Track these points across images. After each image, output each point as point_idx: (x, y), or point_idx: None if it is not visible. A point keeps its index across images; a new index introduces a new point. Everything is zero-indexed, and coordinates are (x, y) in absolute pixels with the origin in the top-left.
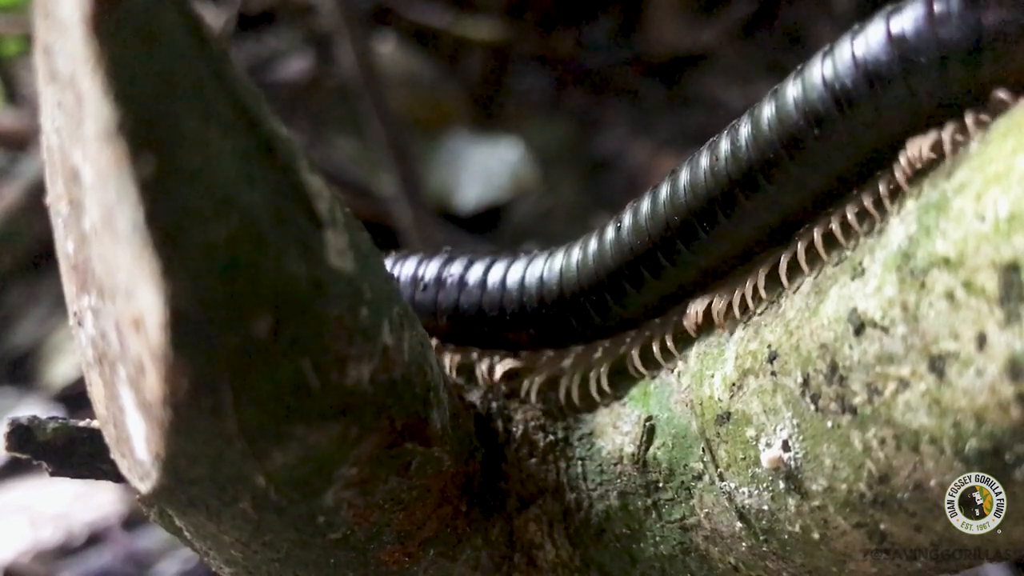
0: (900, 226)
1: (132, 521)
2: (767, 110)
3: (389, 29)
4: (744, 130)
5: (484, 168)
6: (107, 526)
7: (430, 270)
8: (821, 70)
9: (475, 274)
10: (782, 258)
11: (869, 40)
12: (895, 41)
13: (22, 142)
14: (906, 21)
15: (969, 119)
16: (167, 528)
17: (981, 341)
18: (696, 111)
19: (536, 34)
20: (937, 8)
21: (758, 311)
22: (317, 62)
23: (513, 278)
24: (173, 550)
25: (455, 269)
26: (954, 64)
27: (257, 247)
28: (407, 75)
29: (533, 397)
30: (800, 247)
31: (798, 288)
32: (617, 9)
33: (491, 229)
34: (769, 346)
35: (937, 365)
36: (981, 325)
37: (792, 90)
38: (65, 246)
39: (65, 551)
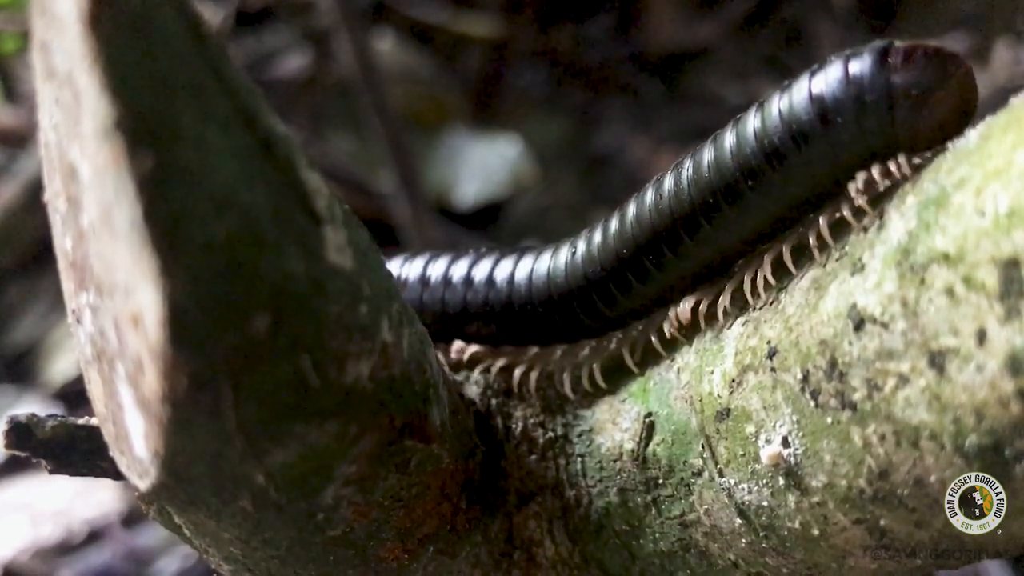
0: (900, 221)
1: (132, 518)
2: (707, 154)
3: (387, 26)
4: (685, 173)
5: (483, 165)
6: (107, 523)
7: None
8: (752, 125)
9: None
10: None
11: (793, 99)
12: (815, 100)
13: (20, 139)
14: (825, 82)
15: (892, 167)
16: (166, 525)
17: (981, 337)
18: (695, 107)
19: (534, 30)
20: (852, 70)
21: (756, 307)
22: (315, 59)
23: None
24: (173, 547)
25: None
26: (869, 121)
27: (256, 244)
28: (405, 72)
29: (532, 387)
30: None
31: (798, 284)
32: (615, 5)
33: (490, 226)
34: (769, 342)
35: (937, 361)
36: (981, 321)
37: (729, 139)
38: (63, 243)
39: (65, 548)
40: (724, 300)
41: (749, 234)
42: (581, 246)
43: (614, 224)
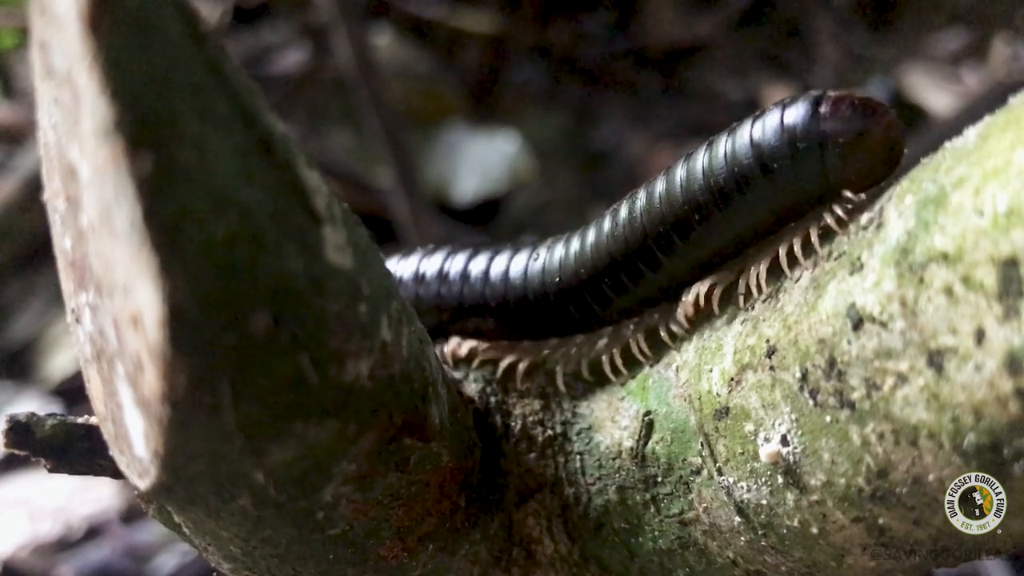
0: (899, 221)
1: (131, 515)
2: (658, 187)
3: (385, 21)
4: (638, 203)
5: (481, 160)
6: (106, 520)
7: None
8: (701, 162)
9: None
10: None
11: (736, 143)
12: (754, 146)
13: (19, 136)
14: (763, 129)
15: (827, 217)
16: (165, 524)
17: (979, 336)
18: (693, 103)
19: (533, 26)
20: (787, 119)
21: (757, 302)
22: (313, 55)
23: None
24: (172, 544)
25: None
26: (803, 166)
27: (255, 244)
28: (404, 67)
29: (519, 381)
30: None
31: (797, 283)
32: (614, 1)
33: (488, 222)
34: (767, 341)
35: (936, 360)
36: (979, 320)
37: (680, 172)
38: (63, 242)
39: (64, 545)
40: (716, 293)
41: (700, 262)
42: (543, 254)
43: (575, 246)
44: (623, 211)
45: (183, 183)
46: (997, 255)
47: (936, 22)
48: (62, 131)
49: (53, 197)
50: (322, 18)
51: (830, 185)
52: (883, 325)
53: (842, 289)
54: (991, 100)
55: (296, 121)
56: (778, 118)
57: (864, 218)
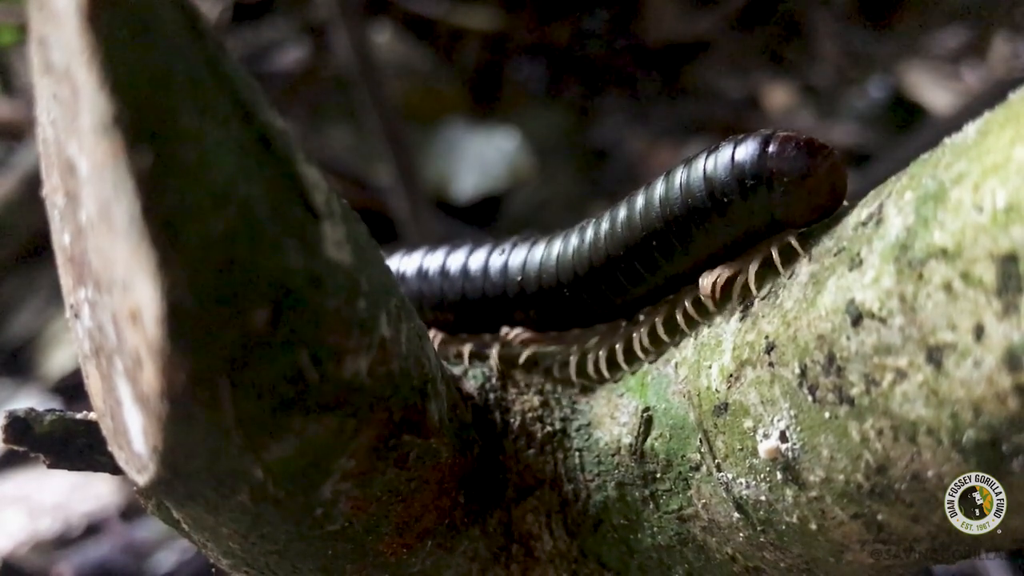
0: (898, 217)
1: (130, 512)
2: (621, 212)
3: (385, 19)
4: (603, 225)
5: (481, 158)
6: (105, 517)
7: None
8: (658, 192)
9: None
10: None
11: (690, 176)
12: (707, 180)
13: (18, 132)
14: (715, 164)
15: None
16: (165, 520)
17: (979, 332)
18: (693, 101)
19: (533, 23)
20: (737, 156)
21: (756, 299)
22: (313, 52)
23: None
24: (171, 541)
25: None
26: (752, 201)
27: (254, 240)
28: (403, 65)
29: (519, 378)
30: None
31: (796, 279)
32: None
33: (488, 219)
34: (767, 337)
35: (935, 356)
36: (979, 316)
37: (640, 200)
38: (61, 238)
39: (63, 542)
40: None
41: (658, 286)
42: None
43: (550, 251)
44: (589, 231)
45: (182, 178)
46: (996, 251)
47: (936, 20)
48: (61, 127)
49: (52, 193)
50: (322, 15)
51: (776, 219)
52: (882, 321)
53: (841, 285)
54: (991, 98)
55: (296, 118)
56: (729, 155)
57: (864, 214)
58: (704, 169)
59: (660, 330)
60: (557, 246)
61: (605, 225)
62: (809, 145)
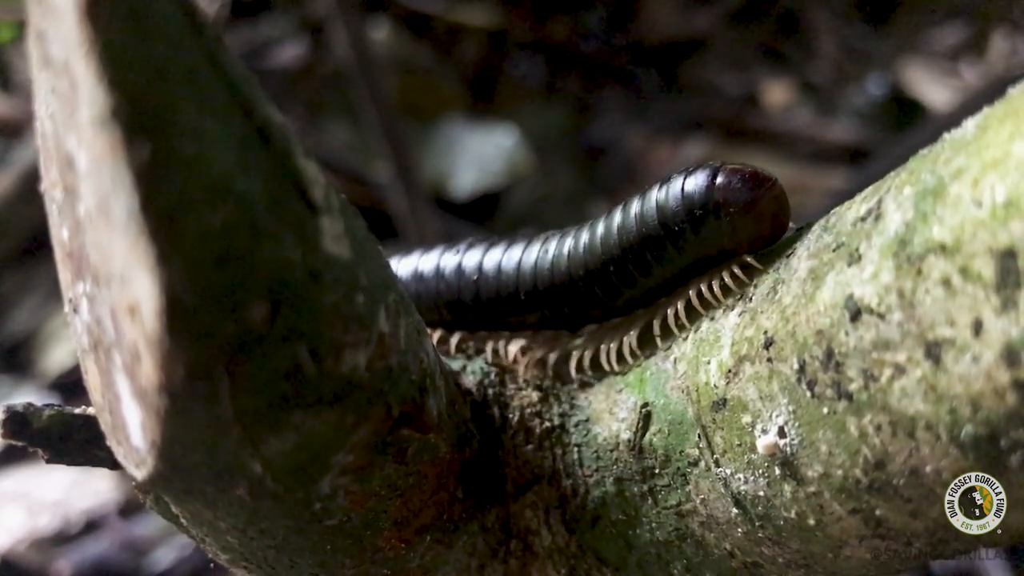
0: (897, 212)
1: (129, 508)
2: (583, 237)
3: (383, 15)
4: (565, 248)
5: (479, 154)
6: (104, 513)
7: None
8: (615, 220)
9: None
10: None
11: (644, 206)
12: (659, 209)
13: (16, 128)
14: (667, 195)
15: (726, 276)
16: (163, 515)
17: (977, 327)
18: (691, 97)
19: (531, 20)
20: (687, 187)
21: (755, 295)
22: (311, 48)
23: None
24: (170, 537)
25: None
26: (702, 229)
27: (252, 234)
28: (402, 61)
29: (523, 370)
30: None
31: (795, 274)
32: None
33: (487, 216)
34: (765, 332)
35: (933, 351)
36: (977, 311)
37: (601, 227)
38: (60, 233)
39: (62, 538)
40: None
41: (615, 306)
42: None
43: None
44: (552, 247)
45: (180, 172)
46: (995, 246)
47: (934, 17)
48: (59, 121)
49: (51, 187)
50: (320, 12)
51: (724, 247)
52: (881, 316)
53: (840, 280)
54: (990, 95)
55: (294, 115)
56: (680, 186)
57: (863, 209)
58: (656, 199)
59: (656, 329)
60: (535, 253)
61: (568, 246)
62: (754, 177)
